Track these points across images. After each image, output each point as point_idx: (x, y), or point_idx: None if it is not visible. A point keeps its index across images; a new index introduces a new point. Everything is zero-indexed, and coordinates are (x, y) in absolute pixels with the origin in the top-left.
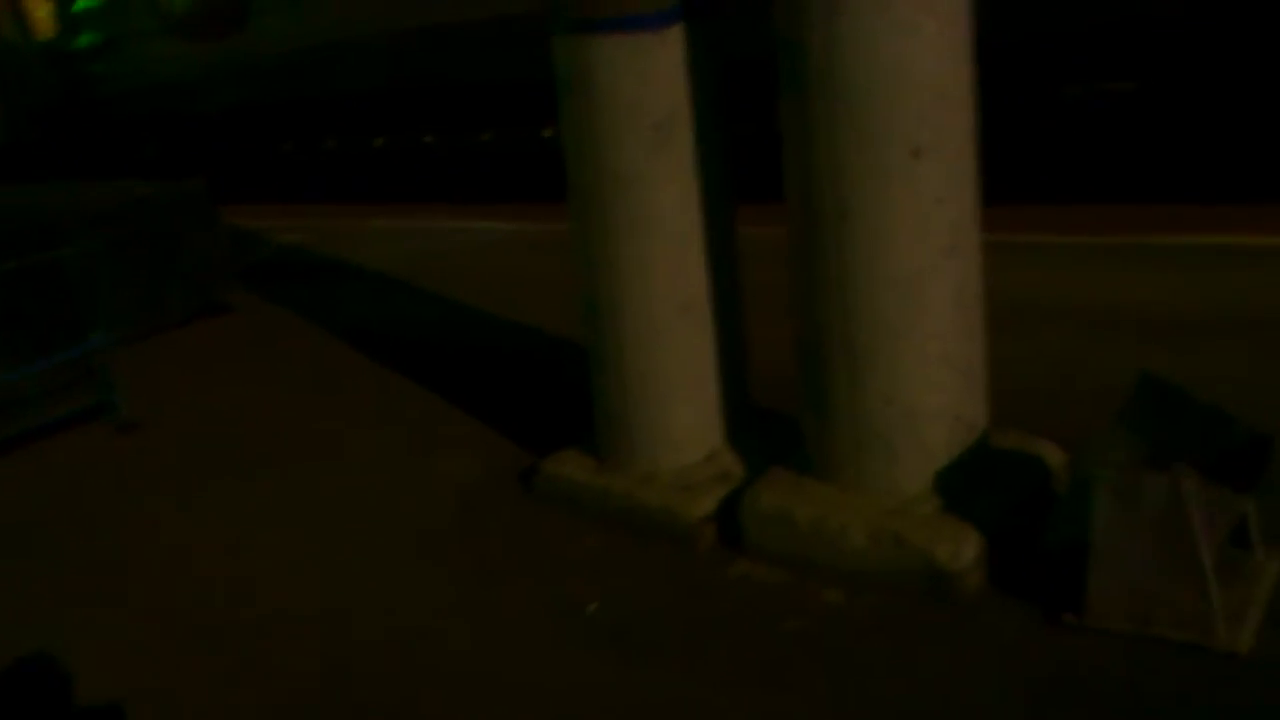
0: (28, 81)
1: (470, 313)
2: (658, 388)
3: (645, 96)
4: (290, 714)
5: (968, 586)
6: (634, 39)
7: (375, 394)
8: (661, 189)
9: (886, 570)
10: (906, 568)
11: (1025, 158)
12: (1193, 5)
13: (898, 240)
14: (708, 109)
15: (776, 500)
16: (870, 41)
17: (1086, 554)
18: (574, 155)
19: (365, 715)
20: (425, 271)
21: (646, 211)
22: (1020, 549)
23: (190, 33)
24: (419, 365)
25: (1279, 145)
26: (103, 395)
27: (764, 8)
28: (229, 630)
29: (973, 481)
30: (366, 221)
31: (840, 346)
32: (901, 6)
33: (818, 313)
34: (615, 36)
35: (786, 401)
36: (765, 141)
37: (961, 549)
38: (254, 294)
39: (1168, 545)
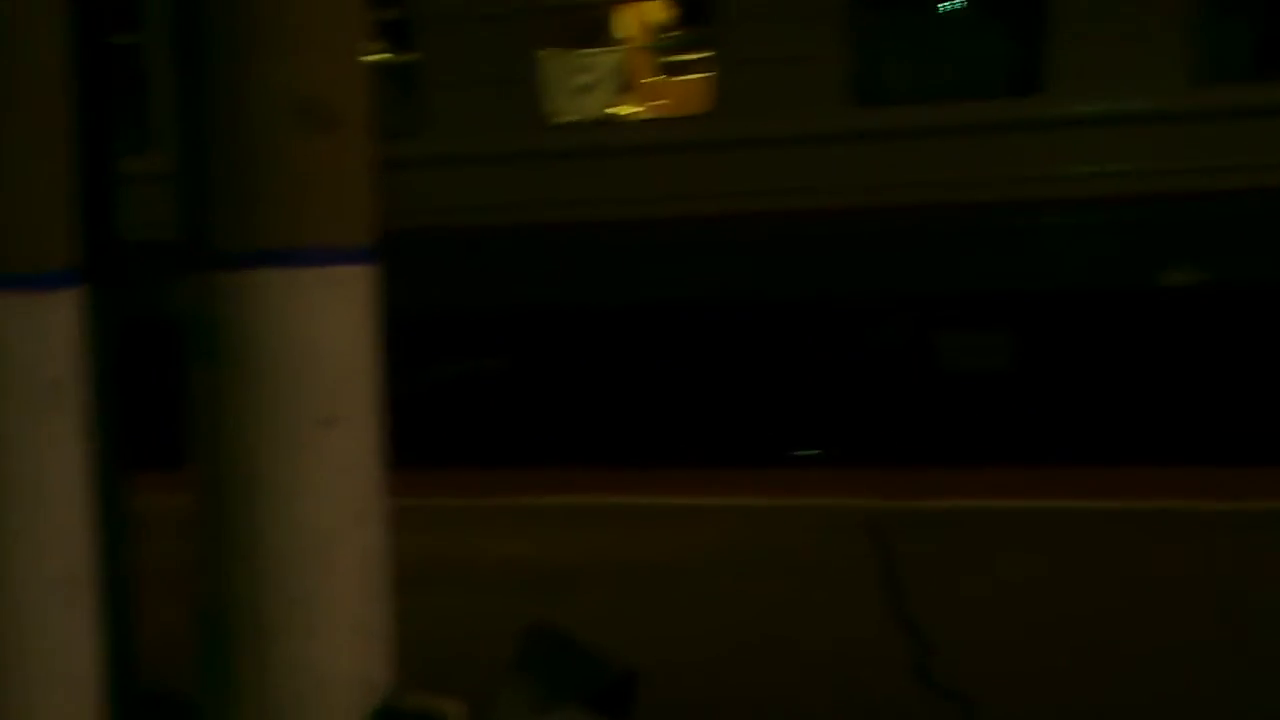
0: None
1: None
2: (24, 673)
3: (36, 357)
4: None
5: None
6: (24, 298)
7: None
8: (47, 453)
9: None
10: None
11: (418, 427)
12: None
13: (307, 507)
14: (104, 373)
15: None
16: (282, 322)
17: None
18: None
19: None
20: None
21: (29, 477)
22: None
23: None
24: None
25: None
26: None
27: (169, 278)
28: None
29: None
30: None
31: (249, 615)
32: (311, 292)
33: (224, 582)
34: (3, 293)
35: (184, 683)
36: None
37: None
38: None
39: None
